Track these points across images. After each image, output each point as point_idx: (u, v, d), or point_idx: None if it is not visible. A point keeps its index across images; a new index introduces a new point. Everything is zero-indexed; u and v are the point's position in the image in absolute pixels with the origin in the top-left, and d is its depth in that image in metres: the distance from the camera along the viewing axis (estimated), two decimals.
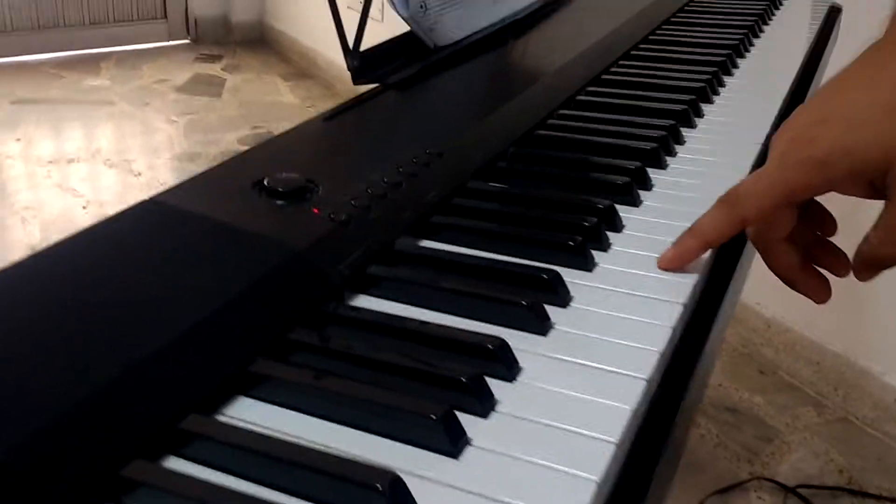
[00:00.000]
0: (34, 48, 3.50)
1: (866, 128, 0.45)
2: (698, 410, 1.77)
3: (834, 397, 1.82)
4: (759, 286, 1.94)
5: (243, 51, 3.77)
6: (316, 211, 0.49)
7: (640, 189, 0.61)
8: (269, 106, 3.21)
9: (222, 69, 3.56)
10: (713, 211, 0.50)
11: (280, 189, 0.50)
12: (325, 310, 0.43)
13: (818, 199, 0.52)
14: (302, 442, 0.35)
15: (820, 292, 0.52)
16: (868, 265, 0.48)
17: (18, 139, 2.81)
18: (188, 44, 3.81)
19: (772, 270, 0.52)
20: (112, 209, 0.45)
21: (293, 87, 3.38)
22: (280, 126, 2.93)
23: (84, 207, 2.39)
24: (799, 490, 1.56)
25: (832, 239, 0.54)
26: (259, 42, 3.84)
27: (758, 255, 0.54)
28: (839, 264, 0.51)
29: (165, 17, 3.81)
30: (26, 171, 2.60)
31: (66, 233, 0.43)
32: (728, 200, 0.50)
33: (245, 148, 0.57)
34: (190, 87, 3.35)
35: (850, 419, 1.78)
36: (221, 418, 0.36)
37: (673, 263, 0.50)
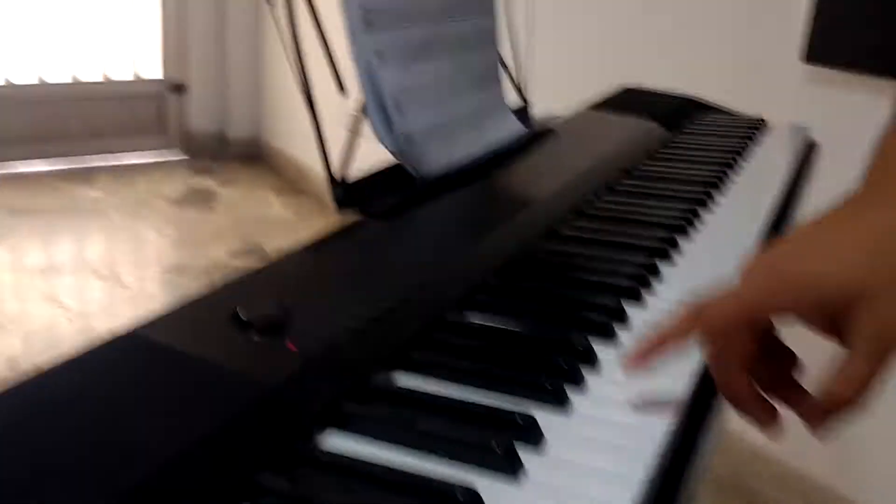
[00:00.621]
0: (32, 157, 3.57)
1: (840, 261, 0.46)
2: None
3: None
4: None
5: (238, 165, 3.85)
6: (291, 346, 0.49)
7: (618, 326, 0.62)
8: (260, 220, 3.25)
9: (217, 183, 3.62)
10: (679, 316, 0.52)
11: (255, 323, 0.50)
12: (295, 450, 0.42)
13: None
14: None
15: (771, 423, 0.51)
16: (821, 413, 0.47)
17: (9, 249, 2.82)
18: (184, 159, 3.89)
19: (727, 397, 0.51)
20: (97, 322, 0.45)
21: (285, 202, 3.43)
22: (271, 240, 2.97)
23: (69, 320, 2.38)
24: None
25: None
26: (254, 157, 3.93)
27: None
28: (797, 401, 0.51)
29: (164, 131, 3.91)
30: (13, 281, 2.60)
31: (48, 344, 0.43)
32: (696, 308, 0.51)
33: (235, 262, 0.58)
34: (184, 200, 3.40)
35: None
36: None
37: (634, 362, 0.52)
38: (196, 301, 0.52)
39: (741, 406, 0.51)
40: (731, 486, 1.93)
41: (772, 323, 0.50)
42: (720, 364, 0.50)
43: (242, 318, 0.50)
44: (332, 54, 0.77)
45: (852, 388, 0.45)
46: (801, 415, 0.50)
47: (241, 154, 3.93)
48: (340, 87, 0.78)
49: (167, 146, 3.91)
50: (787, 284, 0.48)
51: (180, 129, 3.94)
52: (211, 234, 3.07)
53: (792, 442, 1.84)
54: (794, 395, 0.51)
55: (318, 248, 0.65)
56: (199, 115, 3.93)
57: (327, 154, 0.73)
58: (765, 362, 0.51)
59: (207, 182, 3.63)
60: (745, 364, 0.49)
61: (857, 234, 0.48)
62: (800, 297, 0.47)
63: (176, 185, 3.56)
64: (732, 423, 1.87)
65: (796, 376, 0.53)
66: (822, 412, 0.47)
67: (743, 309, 0.49)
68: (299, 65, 0.73)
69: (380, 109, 0.79)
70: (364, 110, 0.79)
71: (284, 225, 3.21)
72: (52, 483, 0.35)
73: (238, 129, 3.97)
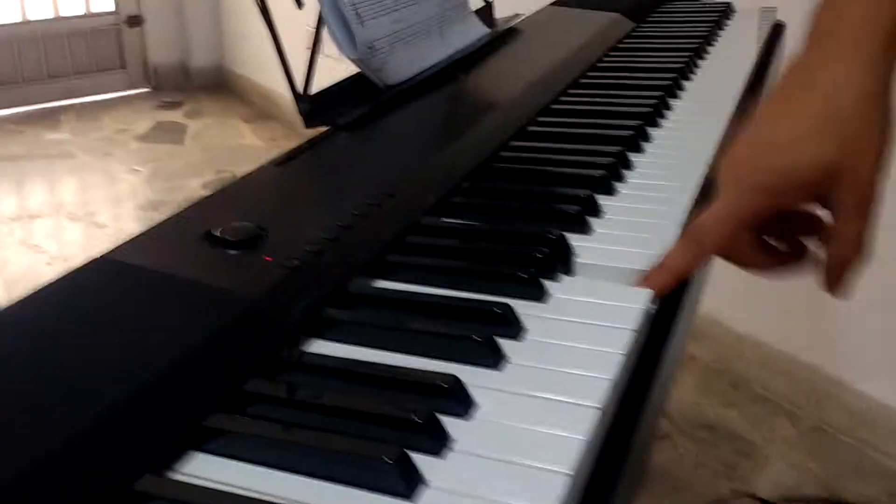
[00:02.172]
0: None
1: (803, 149, 0.48)
2: (675, 431, 1.78)
3: (807, 407, 1.84)
4: (729, 302, 1.97)
5: (204, 96, 3.77)
6: (268, 258, 0.49)
7: (591, 217, 0.62)
8: (233, 149, 3.21)
9: (184, 115, 3.55)
10: (678, 247, 0.54)
11: (231, 238, 0.50)
12: (280, 358, 0.43)
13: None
14: (259, 496, 0.35)
15: (795, 262, 0.55)
16: (835, 276, 0.51)
17: None
18: (148, 92, 3.81)
19: (749, 272, 0.55)
20: (77, 263, 0.45)
21: (255, 129, 3.38)
22: (245, 169, 2.93)
23: (48, 263, 2.36)
24: (780, 503, 1.57)
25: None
26: (219, 86, 3.85)
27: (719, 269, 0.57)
28: (814, 226, 0.54)
29: (124, 66, 3.81)
30: None
31: (31, 289, 0.43)
32: (690, 235, 0.53)
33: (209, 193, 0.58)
34: (151, 135, 3.34)
35: (825, 428, 1.79)
36: (177, 477, 0.36)
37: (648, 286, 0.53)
38: (168, 222, 0.52)
39: (760, 273, 0.55)
40: (717, 370, 1.98)
41: (770, 215, 0.52)
42: (731, 258, 0.54)
43: (216, 234, 0.50)
44: None
45: (852, 245, 0.49)
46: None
47: (205, 84, 3.85)
48: (297, 1, 0.76)
49: (129, 81, 3.82)
50: (766, 184, 0.50)
51: (141, 62, 3.84)
52: (183, 167, 3.03)
53: (776, 324, 1.89)
54: (809, 225, 0.54)
55: (288, 163, 0.65)
56: (158, 47, 3.83)
57: (289, 70, 0.71)
58: (770, 227, 0.53)
59: (174, 115, 3.56)
60: (757, 249, 0.53)
61: (810, 107, 0.49)
62: (781, 194, 0.50)
63: (142, 120, 3.49)
64: (716, 310, 1.90)
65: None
66: (833, 272, 0.51)
67: (733, 218, 0.51)
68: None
69: (339, 20, 0.78)
70: (323, 22, 0.77)
71: (257, 152, 3.17)
72: (37, 400, 0.36)
73: (200, 59, 3.88)
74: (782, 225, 0.54)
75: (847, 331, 1.79)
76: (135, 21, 3.77)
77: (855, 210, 0.49)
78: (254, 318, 0.44)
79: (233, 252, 0.49)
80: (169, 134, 3.35)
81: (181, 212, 0.54)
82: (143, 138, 3.31)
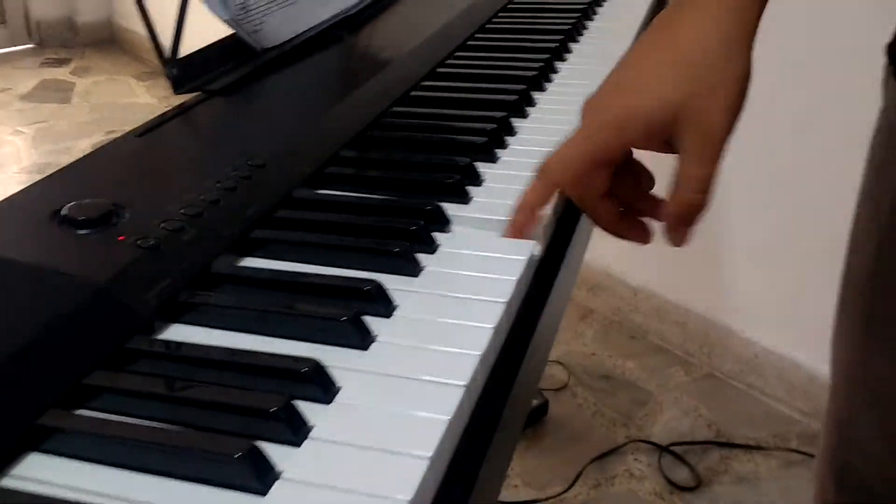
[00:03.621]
0: None
1: (653, 89, 0.50)
2: (574, 382, 1.82)
3: (700, 355, 1.91)
4: (624, 256, 2.01)
5: (92, 52, 3.59)
6: (122, 238, 0.46)
7: (471, 185, 0.61)
8: (125, 108, 3.07)
9: (71, 73, 3.38)
10: (533, 183, 0.55)
11: (81, 217, 0.47)
12: (130, 347, 0.40)
13: (637, 157, 0.56)
14: (100, 499, 0.33)
15: (641, 237, 0.56)
16: (674, 220, 0.52)
17: None
18: (32, 48, 3.60)
19: (597, 225, 0.56)
20: None
21: (149, 87, 3.24)
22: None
23: None
24: (672, 448, 1.63)
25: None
26: (109, 42, 3.67)
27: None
28: (659, 211, 0.55)
29: (4, 21, 3.58)
30: None
31: None
32: (543, 170, 0.54)
33: None
34: (36, 94, 3.17)
35: (716, 375, 1.87)
36: (9, 482, 0.34)
37: (512, 235, 0.54)
38: (11, 201, 0.49)
39: (609, 228, 0.56)
40: (615, 322, 2.04)
41: (619, 154, 0.53)
42: (583, 201, 0.54)
43: (64, 214, 0.47)
44: None
45: (693, 187, 0.50)
46: (660, 219, 0.54)
47: (94, 40, 3.66)
48: None
49: (10, 37, 3.59)
50: (615, 122, 0.51)
51: (23, 17, 3.61)
52: (71, 127, 2.89)
53: (669, 277, 1.95)
54: (652, 206, 0.56)
55: (151, 133, 0.61)
56: (41, 1, 3.61)
57: (153, 30, 0.68)
58: (623, 182, 0.55)
59: (60, 72, 3.38)
60: (605, 194, 0.54)
61: (669, 54, 0.51)
62: (628, 131, 0.51)
63: (26, 78, 3.30)
64: (613, 264, 1.95)
65: (650, 190, 0.57)
66: (676, 217, 0.52)
67: (584, 153, 0.52)
68: None
69: None
70: None
71: (150, 111, 3.04)
72: None
73: (87, 13, 3.68)
74: (631, 190, 0.56)
75: (735, 280, 1.86)
76: None
77: (700, 152, 0.50)
78: (101, 305, 0.41)
79: (82, 232, 0.46)
80: (55, 93, 3.18)
81: (28, 188, 0.51)
82: (27, 97, 3.13)
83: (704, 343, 1.91)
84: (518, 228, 0.54)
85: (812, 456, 1.51)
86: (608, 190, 0.54)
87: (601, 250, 1.98)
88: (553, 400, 1.76)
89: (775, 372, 1.78)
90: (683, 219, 0.52)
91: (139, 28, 0.68)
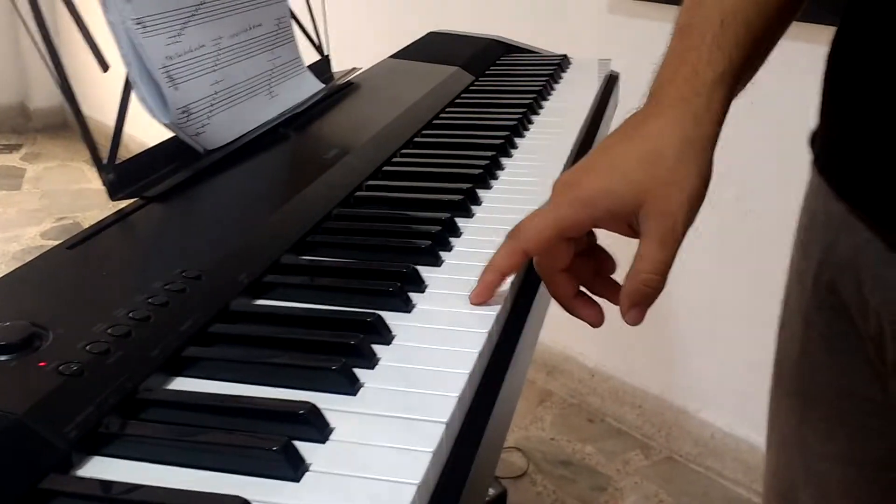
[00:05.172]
0: None
1: (622, 174, 0.55)
2: (533, 469, 1.79)
3: (658, 438, 1.89)
4: (581, 337, 2.01)
5: (44, 138, 3.56)
6: (42, 364, 0.44)
7: (413, 292, 0.61)
8: (76, 194, 3.04)
9: (21, 159, 3.35)
10: (503, 246, 0.58)
11: (0, 343, 0.45)
12: (45, 486, 0.38)
13: (599, 242, 0.61)
14: None
15: (593, 317, 0.60)
16: (631, 299, 0.55)
17: None
18: None
19: (553, 296, 0.60)
20: None
21: None
22: (88, 216, 2.78)
23: None
24: None
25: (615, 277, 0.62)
26: (62, 127, 3.65)
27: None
28: (615, 295, 0.58)
29: None
30: None
31: None
32: (512, 235, 0.58)
33: (50, 244, 0.52)
34: None
35: (675, 458, 1.85)
36: None
37: (480, 297, 0.58)
38: None
39: (565, 303, 0.60)
40: (572, 404, 2.02)
41: (583, 233, 0.58)
42: (544, 270, 0.59)
43: None
44: (86, 29, 0.70)
45: (652, 269, 0.54)
46: (616, 303, 0.57)
47: (46, 125, 3.64)
48: (102, 64, 0.72)
49: None
50: (585, 199, 0.56)
51: None
52: (20, 215, 2.84)
53: (625, 358, 1.95)
54: (610, 290, 0.60)
55: (83, 244, 0.59)
56: None
57: (89, 134, 0.67)
58: (585, 263, 0.60)
59: (10, 159, 3.34)
60: (565, 268, 0.58)
61: (637, 144, 0.56)
62: (597, 208, 0.55)
63: None
64: (569, 346, 1.94)
65: (611, 275, 0.62)
66: (633, 296, 0.55)
67: (551, 226, 0.56)
68: (48, 44, 0.66)
69: (149, 83, 0.74)
70: (131, 85, 0.73)
71: (103, 198, 3.00)
72: None
73: (40, 99, 3.67)
74: (591, 272, 0.61)
75: (688, 361, 1.86)
76: None
77: (659, 238, 0.54)
78: (15, 440, 0.39)
79: (2, 359, 0.44)
80: (4, 179, 3.14)
81: None
82: None
83: (662, 425, 1.90)
84: (486, 288, 0.58)
85: None
86: (569, 266, 0.58)
87: (558, 331, 1.98)
88: (512, 488, 1.72)
89: (732, 454, 1.77)
90: (640, 298, 0.55)
91: (94, 114, 0.68)
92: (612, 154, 0.57)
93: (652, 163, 0.54)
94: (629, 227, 0.56)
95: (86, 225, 0.61)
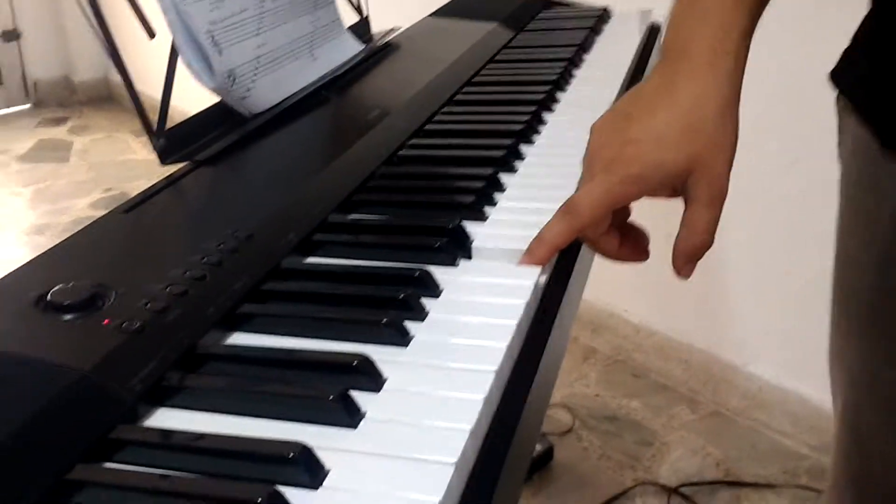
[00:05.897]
0: None
1: (670, 145, 0.57)
2: (579, 425, 1.80)
3: (705, 392, 1.89)
4: (625, 294, 2.01)
5: (90, 110, 3.62)
6: (106, 322, 0.46)
7: (459, 247, 0.61)
8: (123, 165, 3.09)
9: (68, 132, 3.41)
10: (556, 220, 0.59)
11: (65, 302, 0.46)
12: (114, 437, 0.40)
13: None
14: None
15: (640, 255, 0.63)
16: (685, 258, 0.58)
17: None
18: (28, 109, 3.63)
19: (601, 255, 0.63)
20: None
21: (147, 143, 3.26)
22: (135, 185, 2.83)
23: None
24: (681, 490, 1.61)
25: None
26: (106, 99, 3.70)
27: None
28: (641, 237, 0.63)
29: (1, 82, 3.63)
30: None
31: None
32: (566, 210, 0.59)
33: (98, 213, 0.54)
34: (34, 154, 3.19)
35: (722, 412, 1.85)
36: None
37: (528, 261, 0.59)
38: None
39: (612, 256, 0.62)
40: (617, 361, 2.02)
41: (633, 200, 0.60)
42: (589, 237, 0.61)
43: (47, 298, 0.46)
44: None
45: (703, 228, 0.57)
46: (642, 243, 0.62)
47: (91, 98, 3.70)
48: (149, 31, 0.73)
49: (8, 98, 3.64)
50: (633, 178, 0.57)
51: (20, 77, 3.66)
52: (69, 187, 2.91)
53: (671, 314, 1.94)
54: (636, 232, 0.63)
55: (138, 207, 0.61)
56: (38, 61, 3.66)
57: (138, 102, 0.68)
58: (618, 215, 0.61)
59: (58, 132, 3.41)
60: (610, 234, 0.61)
61: (679, 112, 0.57)
62: (650, 182, 0.57)
63: (24, 139, 3.33)
64: (613, 303, 1.94)
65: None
66: (685, 256, 0.58)
67: (605, 204, 0.58)
68: (97, 15, 0.67)
69: (194, 49, 0.75)
70: (177, 51, 0.74)
71: (148, 168, 3.06)
72: None
73: (84, 72, 3.72)
74: (622, 220, 0.63)
75: (735, 315, 1.85)
76: (11, 35, 3.59)
77: (708, 201, 0.57)
78: (84, 394, 0.41)
79: (67, 318, 0.46)
80: (53, 152, 3.21)
81: (13, 272, 0.50)
82: (25, 158, 3.16)
83: (708, 380, 1.89)
84: (539, 263, 0.58)
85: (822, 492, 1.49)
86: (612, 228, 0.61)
87: (602, 289, 1.98)
88: (558, 444, 1.74)
89: (780, 406, 1.76)
90: (692, 256, 0.58)
91: (137, 84, 0.69)
92: (654, 124, 0.58)
93: (697, 130, 0.57)
94: (673, 191, 0.59)
95: (132, 195, 0.62)
